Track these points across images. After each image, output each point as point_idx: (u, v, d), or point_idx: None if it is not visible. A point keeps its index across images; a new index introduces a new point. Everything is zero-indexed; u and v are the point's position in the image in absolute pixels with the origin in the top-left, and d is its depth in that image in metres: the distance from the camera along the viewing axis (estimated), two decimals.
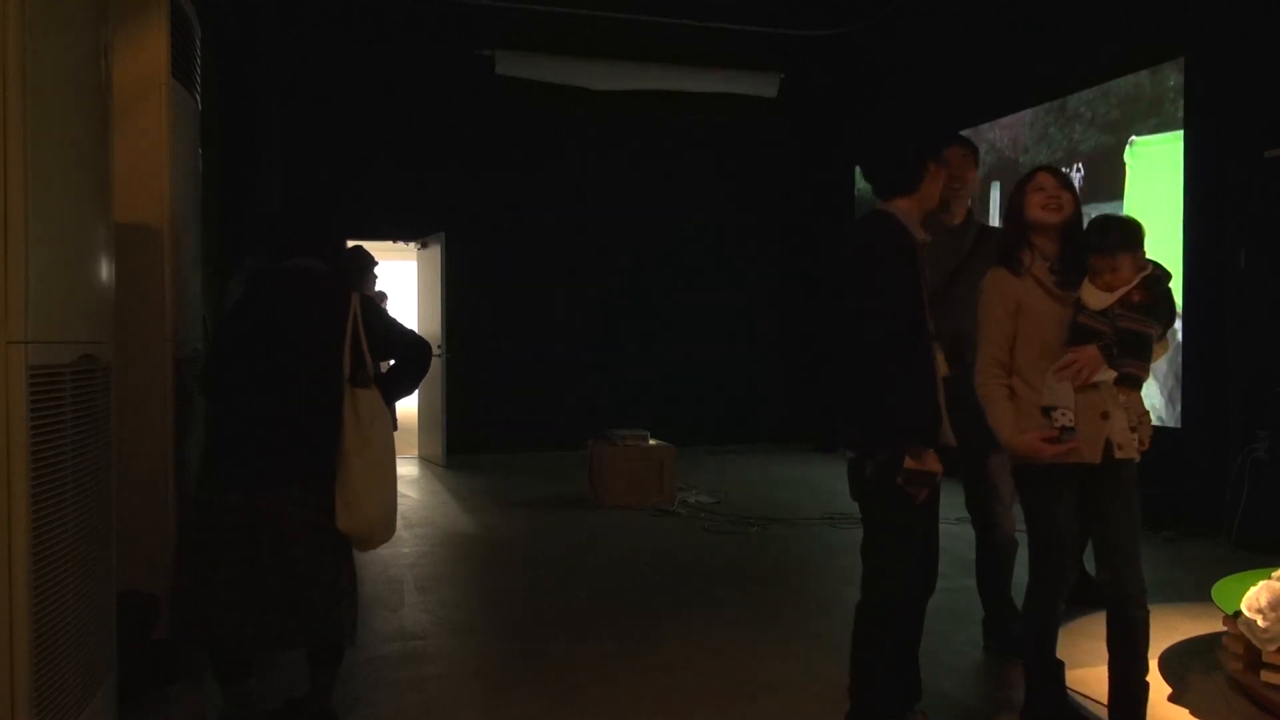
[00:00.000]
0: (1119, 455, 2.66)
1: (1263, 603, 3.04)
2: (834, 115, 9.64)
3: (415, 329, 3.89)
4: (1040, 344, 2.69)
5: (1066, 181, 2.82)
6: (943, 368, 2.65)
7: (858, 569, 2.75)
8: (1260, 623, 3.00)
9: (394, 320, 3.09)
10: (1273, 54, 5.40)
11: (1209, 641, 3.52)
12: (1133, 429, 2.70)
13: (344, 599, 2.86)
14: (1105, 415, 2.63)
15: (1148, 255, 2.74)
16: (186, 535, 2.85)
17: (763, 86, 9.48)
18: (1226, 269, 5.58)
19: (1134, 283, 2.62)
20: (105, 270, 2.55)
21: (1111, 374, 2.63)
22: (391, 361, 3.07)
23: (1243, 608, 3.10)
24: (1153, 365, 2.79)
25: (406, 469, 8.50)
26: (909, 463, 2.49)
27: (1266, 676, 3.00)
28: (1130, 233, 2.68)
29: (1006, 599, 3.63)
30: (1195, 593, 3.39)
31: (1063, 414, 2.61)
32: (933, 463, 2.51)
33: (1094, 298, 2.64)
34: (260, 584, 2.71)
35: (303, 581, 2.74)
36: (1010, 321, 2.72)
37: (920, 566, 2.82)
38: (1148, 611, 2.70)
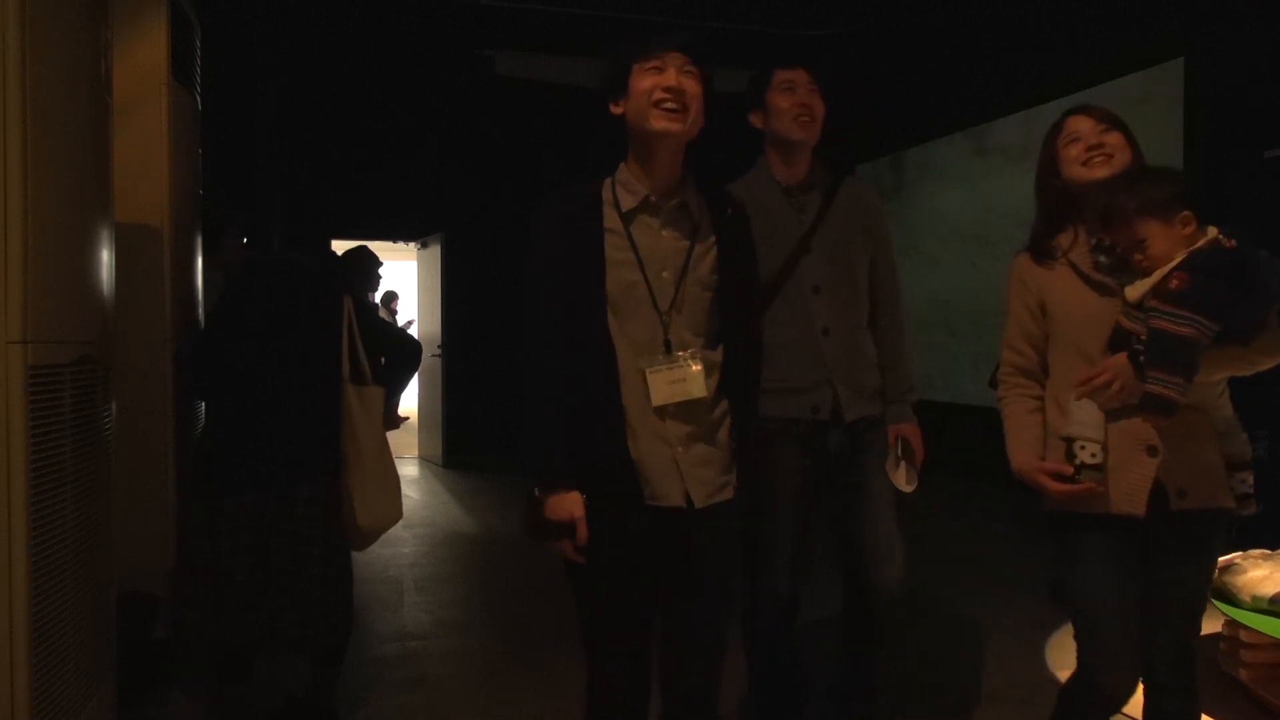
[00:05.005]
0: (1178, 506, 1.93)
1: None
2: (833, 115, 9.59)
3: (414, 329, 3.97)
4: (1075, 350, 2.00)
5: (1113, 119, 2.00)
6: (669, 394, 1.89)
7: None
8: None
9: (384, 321, 3.12)
10: (1273, 54, 5.39)
11: (1209, 641, 3.51)
12: (1235, 468, 2.00)
13: (348, 599, 2.87)
14: (1153, 450, 1.92)
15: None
16: (191, 539, 2.79)
17: None
18: None
19: (1175, 261, 1.84)
20: (105, 270, 2.54)
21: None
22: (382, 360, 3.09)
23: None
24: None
25: (407, 469, 8.49)
26: (534, 508, 1.91)
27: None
28: (1157, 188, 1.87)
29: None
30: None
31: (1082, 447, 1.91)
32: (561, 508, 1.86)
33: (1133, 286, 1.90)
34: (273, 588, 2.71)
35: (319, 583, 2.74)
36: (1033, 321, 2.07)
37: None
38: (1188, 704, 2.03)
